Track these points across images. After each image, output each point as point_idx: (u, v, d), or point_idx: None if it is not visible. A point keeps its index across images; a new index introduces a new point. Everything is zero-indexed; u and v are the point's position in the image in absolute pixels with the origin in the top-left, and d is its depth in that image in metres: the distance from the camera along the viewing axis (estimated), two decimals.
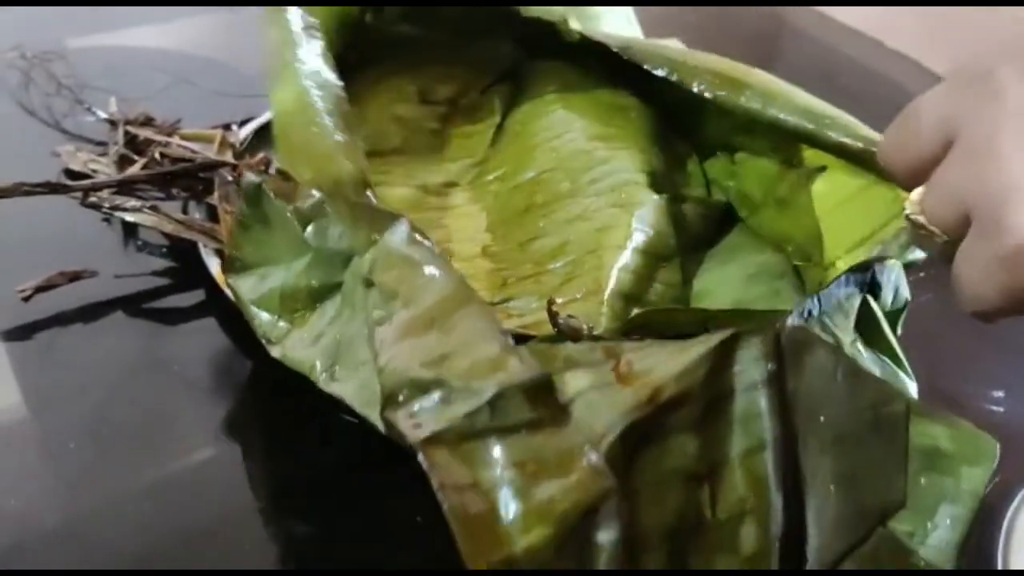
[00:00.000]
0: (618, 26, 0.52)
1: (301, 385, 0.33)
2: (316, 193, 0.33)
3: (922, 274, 0.40)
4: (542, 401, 0.25)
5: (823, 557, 0.28)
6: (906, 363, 0.36)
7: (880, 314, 0.35)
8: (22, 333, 0.39)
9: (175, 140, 0.47)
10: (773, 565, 0.27)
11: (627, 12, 0.55)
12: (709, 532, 0.27)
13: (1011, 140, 0.26)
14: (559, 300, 0.38)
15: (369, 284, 0.30)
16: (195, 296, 0.42)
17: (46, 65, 0.52)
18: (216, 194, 0.43)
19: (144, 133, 0.47)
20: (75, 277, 0.40)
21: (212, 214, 0.44)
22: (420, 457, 0.24)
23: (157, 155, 0.46)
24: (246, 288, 0.35)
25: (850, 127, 0.41)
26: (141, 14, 0.64)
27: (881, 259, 0.36)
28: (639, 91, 0.51)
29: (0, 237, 0.43)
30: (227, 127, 0.48)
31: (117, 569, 0.31)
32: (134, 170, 0.44)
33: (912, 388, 0.35)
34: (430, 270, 0.29)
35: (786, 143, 0.45)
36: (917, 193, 0.30)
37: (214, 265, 0.40)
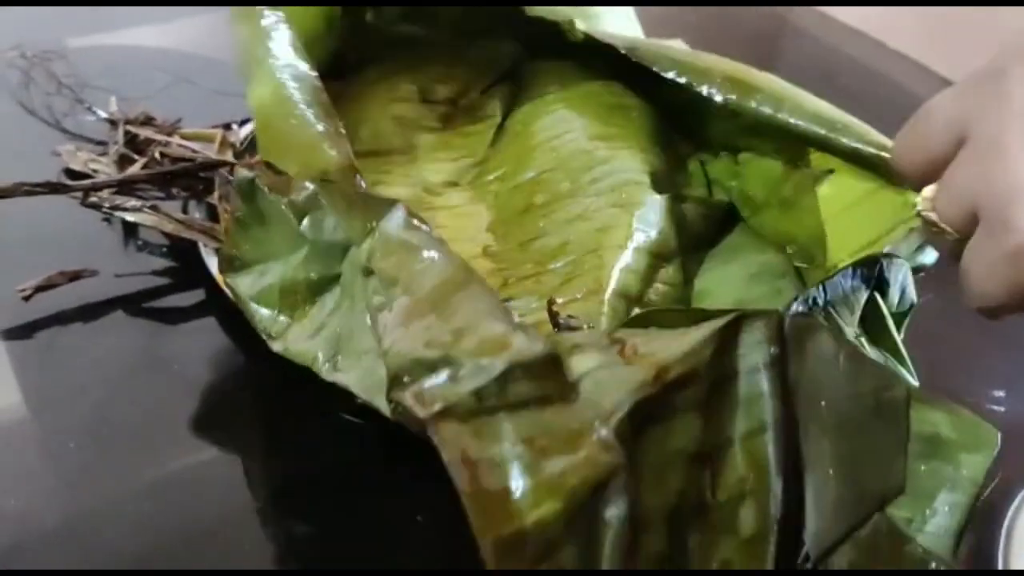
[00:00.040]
0: (619, 25, 0.52)
1: (301, 385, 0.33)
2: (310, 185, 0.33)
3: (922, 274, 0.40)
4: (550, 377, 0.26)
5: (821, 541, 0.28)
6: (909, 362, 0.36)
7: (887, 312, 0.35)
8: (22, 332, 0.39)
9: (175, 140, 0.47)
10: (772, 547, 0.27)
11: (627, 12, 0.55)
12: (709, 513, 0.27)
13: (1018, 140, 0.27)
14: (559, 300, 0.38)
15: (368, 272, 0.30)
16: (195, 296, 0.42)
17: (46, 64, 0.52)
18: (216, 193, 0.43)
19: (144, 133, 0.47)
20: (75, 277, 0.40)
21: (212, 214, 0.44)
22: (430, 432, 0.24)
23: (157, 155, 0.46)
24: (245, 285, 0.35)
25: (862, 133, 0.41)
26: (141, 14, 0.64)
27: (890, 256, 0.36)
28: (640, 91, 0.51)
29: (0, 237, 0.43)
30: (227, 127, 0.48)
31: (117, 569, 0.31)
32: (134, 170, 0.44)
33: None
34: (429, 254, 0.29)
35: (792, 145, 0.45)
36: (929, 190, 0.31)
37: (214, 264, 0.40)
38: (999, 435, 0.32)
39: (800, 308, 0.31)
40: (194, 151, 0.46)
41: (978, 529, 0.35)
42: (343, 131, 0.36)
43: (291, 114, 0.37)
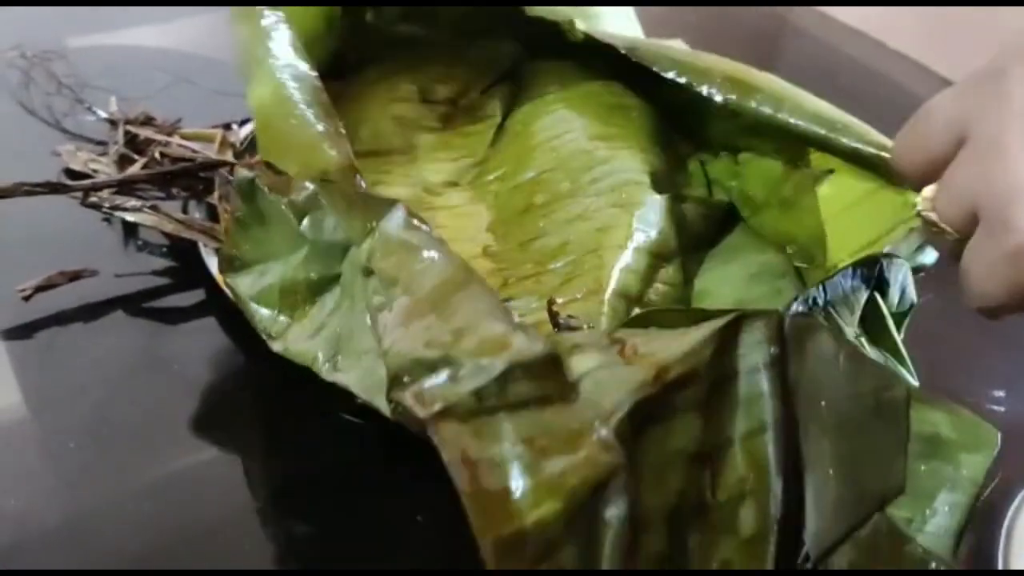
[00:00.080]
0: (619, 25, 0.52)
1: (301, 385, 0.33)
2: (310, 185, 0.33)
3: (922, 274, 0.40)
4: (550, 377, 0.26)
5: (821, 541, 0.28)
6: (909, 363, 0.36)
7: (887, 312, 0.35)
8: (22, 332, 0.39)
9: (175, 140, 0.47)
10: (772, 547, 0.27)
11: (627, 11, 0.55)
12: (709, 513, 0.27)
13: (1018, 140, 0.27)
14: (559, 300, 0.38)
15: (368, 273, 0.30)
16: (195, 296, 0.42)
17: (46, 64, 0.52)
18: (216, 193, 0.43)
19: (144, 133, 0.47)
20: (75, 277, 0.40)
21: (212, 214, 0.44)
22: (430, 432, 0.24)
23: (157, 155, 0.46)
24: (245, 285, 0.35)
25: (863, 133, 0.41)
26: (141, 14, 0.64)
27: (890, 256, 0.36)
28: (640, 91, 0.51)
29: (0, 237, 0.43)
30: (227, 127, 0.48)
31: (117, 569, 0.31)
32: (134, 170, 0.44)
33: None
34: (429, 254, 0.29)
35: (792, 145, 0.45)
36: (929, 190, 0.31)
37: (214, 265, 0.40)
38: (999, 435, 0.32)
39: (800, 308, 0.31)
40: (194, 151, 0.46)
41: (978, 529, 0.35)
42: (343, 131, 0.36)
43: (291, 114, 0.37)
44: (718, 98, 0.43)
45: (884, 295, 0.36)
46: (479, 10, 0.53)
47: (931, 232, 0.31)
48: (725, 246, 0.47)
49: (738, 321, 0.28)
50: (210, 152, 0.46)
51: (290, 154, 0.35)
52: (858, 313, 0.34)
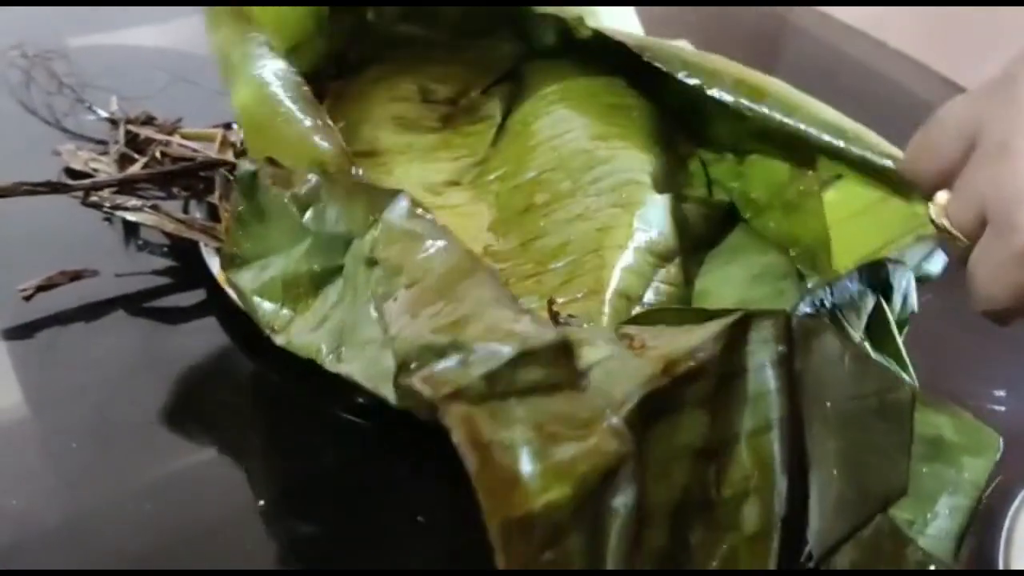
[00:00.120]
0: (621, 24, 0.52)
1: (302, 385, 0.33)
2: (313, 178, 0.33)
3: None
4: (561, 365, 0.26)
5: (824, 540, 0.28)
6: (911, 368, 0.36)
7: (891, 317, 0.35)
8: (23, 332, 0.39)
9: (176, 139, 0.47)
10: (775, 545, 0.27)
11: (628, 11, 0.55)
12: (713, 509, 0.27)
13: None
14: (560, 300, 0.38)
15: (372, 263, 0.30)
16: (196, 295, 0.42)
17: (47, 64, 0.52)
18: (217, 193, 0.43)
19: (145, 132, 0.47)
20: (76, 276, 0.40)
21: (213, 213, 0.44)
22: (440, 414, 0.24)
23: (158, 154, 0.46)
24: (247, 280, 0.35)
25: (874, 143, 0.40)
26: (141, 14, 0.64)
27: (896, 261, 0.36)
28: (641, 90, 0.51)
29: (1, 236, 0.43)
30: (228, 126, 0.48)
31: (117, 569, 0.31)
32: (135, 169, 0.44)
33: None
34: (434, 242, 0.29)
35: (801, 151, 0.45)
36: (943, 197, 0.30)
37: (215, 264, 0.40)
38: (1001, 439, 0.32)
39: (807, 309, 0.31)
40: (194, 151, 0.46)
41: (978, 531, 0.35)
42: (331, 123, 0.36)
43: (276, 112, 0.37)
44: (728, 100, 0.43)
45: (888, 301, 0.36)
46: (479, 10, 0.53)
47: (944, 239, 0.31)
48: (726, 246, 0.47)
49: (747, 319, 0.28)
50: (210, 152, 0.46)
51: (280, 150, 0.35)
52: (864, 319, 0.34)
